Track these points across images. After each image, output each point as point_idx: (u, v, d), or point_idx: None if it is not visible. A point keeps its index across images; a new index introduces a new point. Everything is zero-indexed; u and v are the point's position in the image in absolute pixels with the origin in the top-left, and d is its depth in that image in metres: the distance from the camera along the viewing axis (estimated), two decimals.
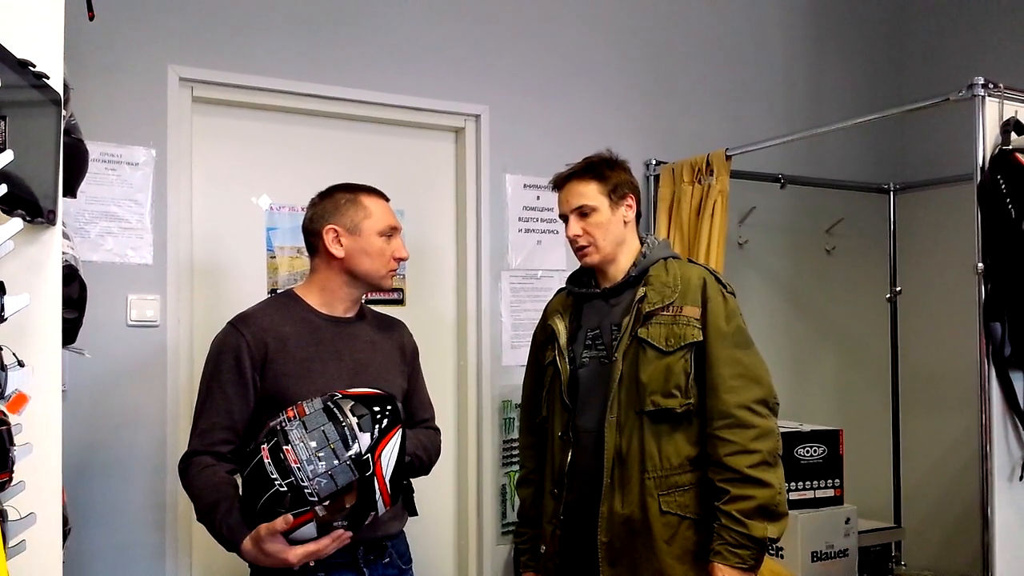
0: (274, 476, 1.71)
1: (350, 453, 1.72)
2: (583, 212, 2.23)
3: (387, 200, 2.18)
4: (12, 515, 1.13)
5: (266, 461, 1.73)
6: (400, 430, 1.80)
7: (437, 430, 2.30)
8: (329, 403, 1.79)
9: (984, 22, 3.95)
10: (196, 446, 1.99)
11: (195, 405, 2.04)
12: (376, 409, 1.79)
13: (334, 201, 2.12)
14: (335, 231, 2.09)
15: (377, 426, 1.76)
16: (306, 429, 1.74)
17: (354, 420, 1.75)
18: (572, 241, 2.27)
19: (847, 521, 3.31)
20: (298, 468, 1.70)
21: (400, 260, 2.15)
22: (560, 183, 2.30)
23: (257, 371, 2.00)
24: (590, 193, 2.23)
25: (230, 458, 1.95)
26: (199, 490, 1.93)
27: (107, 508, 2.54)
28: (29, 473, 1.16)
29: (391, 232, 2.13)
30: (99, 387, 2.54)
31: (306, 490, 1.70)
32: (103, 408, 2.55)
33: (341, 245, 2.08)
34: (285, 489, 1.71)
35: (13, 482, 1.12)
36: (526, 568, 2.41)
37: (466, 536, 3.18)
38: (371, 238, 2.09)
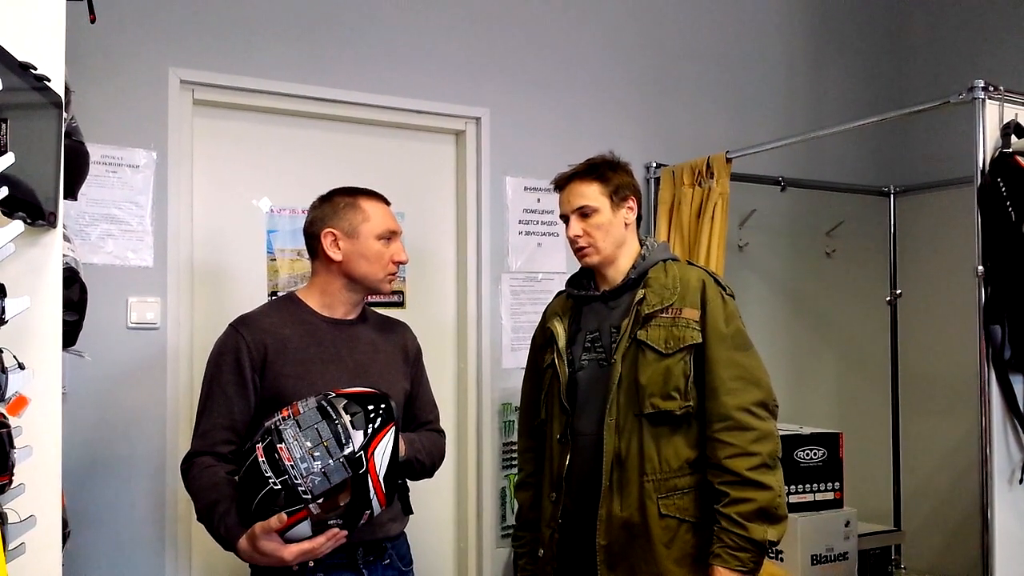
0: (268, 474, 1.72)
1: (343, 451, 1.73)
2: (584, 213, 2.23)
3: (388, 204, 2.18)
4: (12, 518, 1.13)
5: (260, 460, 1.74)
6: (393, 428, 1.81)
7: (441, 432, 2.29)
8: (323, 402, 1.80)
9: (984, 25, 3.96)
10: (197, 447, 2.00)
11: (197, 406, 2.05)
12: (370, 407, 1.80)
13: (333, 205, 2.12)
14: (333, 235, 2.09)
15: (371, 424, 1.78)
16: (300, 428, 1.75)
17: (347, 418, 1.76)
18: (572, 242, 2.27)
19: (847, 524, 3.31)
20: (292, 466, 1.71)
21: (399, 264, 2.15)
22: (562, 184, 2.30)
23: (257, 372, 2.01)
24: (591, 194, 2.23)
25: (231, 458, 1.96)
26: (199, 490, 1.95)
27: (107, 510, 2.54)
28: (29, 476, 1.16)
29: (390, 236, 2.13)
30: (99, 390, 2.54)
31: (299, 488, 1.71)
32: (103, 410, 2.56)
33: (339, 249, 2.09)
34: (279, 487, 1.72)
35: (13, 485, 1.12)
36: (524, 571, 2.41)
37: (465, 539, 3.18)
38: (369, 242, 2.09)
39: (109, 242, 2.59)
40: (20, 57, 1.15)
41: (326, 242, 2.10)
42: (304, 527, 1.75)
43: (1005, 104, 2.53)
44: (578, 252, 2.27)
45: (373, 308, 2.29)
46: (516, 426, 3.01)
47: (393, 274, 2.16)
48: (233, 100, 2.81)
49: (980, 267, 2.49)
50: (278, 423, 1.78)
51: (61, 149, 1.30)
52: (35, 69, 1.18)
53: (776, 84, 3.96)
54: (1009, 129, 2.49)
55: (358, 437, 1.75)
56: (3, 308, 1.09)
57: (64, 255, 1.43)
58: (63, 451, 1.29)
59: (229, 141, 2.87)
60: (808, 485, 3.29)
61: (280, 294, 2.77)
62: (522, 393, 2.52)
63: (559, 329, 2.30)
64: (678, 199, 3.36)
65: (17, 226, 1.10)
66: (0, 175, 1.04)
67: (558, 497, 2.25)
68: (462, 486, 3.20)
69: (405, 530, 2.17)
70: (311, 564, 1.88)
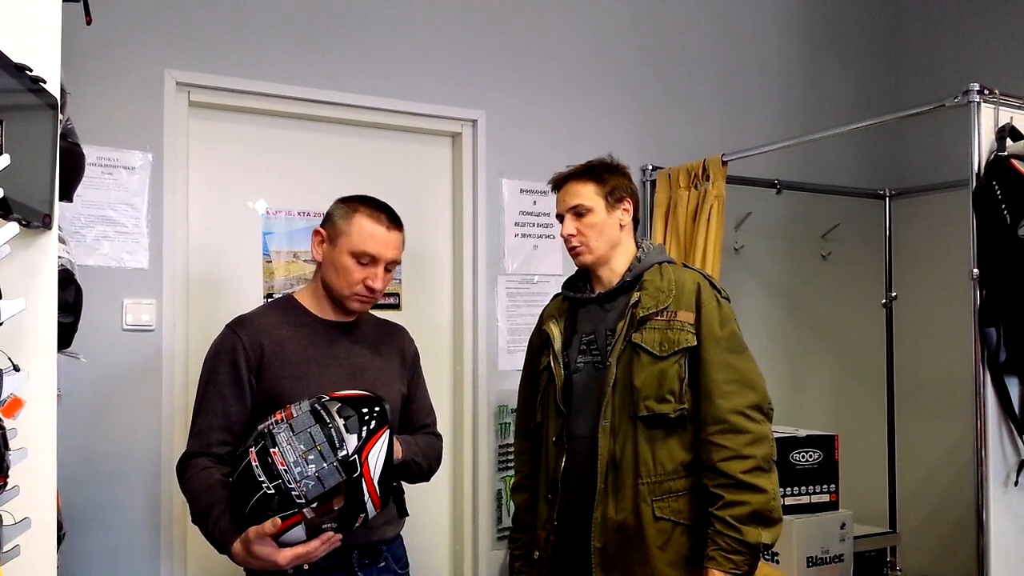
0: (261, 479, 1.72)
1: (337, 455, 1.72)
2: (578, 212, 2.24)
3: (393, 229, 2.08)
4: (7, 520, 1.13)
5: (254, 464, 1.73)
6: (387, 431, 1.80)
7: (438, 436, 2.28)
8: (316, 405, 1.79)
9: (980, 29, 3.97)
10: (193, 447, 1.99)
11: (193, 407, 2.05)
12: (364, 411, 1.79)
13: (338, 207, 2.11)
14: (321, 236, 2.10)
15: (365, 427, 1.77)
16: (293, 431, 1.75)
17: (341, 422, 1.76)
18: (566, 240, 2.28)
19: (843, 526, 3.31)
20: (285, 470, 1.71)
21: (371, 290, 2.06)
22: (559, 183, 2.32)
23: (253, 373, 2.00)
24: (586, 194, 2.24)
25: (227, 459, 1.95)
26: (194, 492, 1.94)
27: (103, 511, 2.54)
28: (24, 478, 1.15)
29: (367, 259, 2.04)
30: (95, 391, 2.54)
31: (293, 492, 1.70)
32: (99, 412, 2.55)
33: (320, 251, 2.09)
34: (272, 492, 1.71)
35: (8, 487, 1.12)
36: (520, 574, 2.41)
37: (461, 541, 3.17)
38: (342, 255, 2.04)
39: (104, 244, 2.59)
40: (16, 59, 1.15)
41: (314, 240, 2.11)
42: (298, 531, 1.74)
43: (1000, 107, 2.54)
44: (572, 251, 2.28)
45: (370, 311, 2.29)
46: (512, 428, 3.02)
47: (360, 295, 2.06)
48: (229, 102, 2.81)
49: (975, 270, 2.49)
50: (271, 427, 1.78)
51: (57, 151, 1.30)
52: (31, 71, 1.18)
53: (772, 87, 3.97)
54: (1004, 132, 2.50)
55: (352, 440, 1.74)
56: None
57: (59, 257, 1.43)
58: (58, 453, 1.29)
59: (225, 143, 2.86)
60: (804, 487, 3.29)
61: (276, 296, 2.77)
62: (519, 395, 2.53)
63: (555, 331, 2.31)
64: (674, 202, 3.37)
65: (12, 228, 1.09)
66: None
67: (554, 499, 2.25)
68: (458, 488, 3.19)
69: (401, 533, 2.17)
70: (306, 568, 1.87)
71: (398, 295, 3.13)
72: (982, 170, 2.49)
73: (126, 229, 2.61)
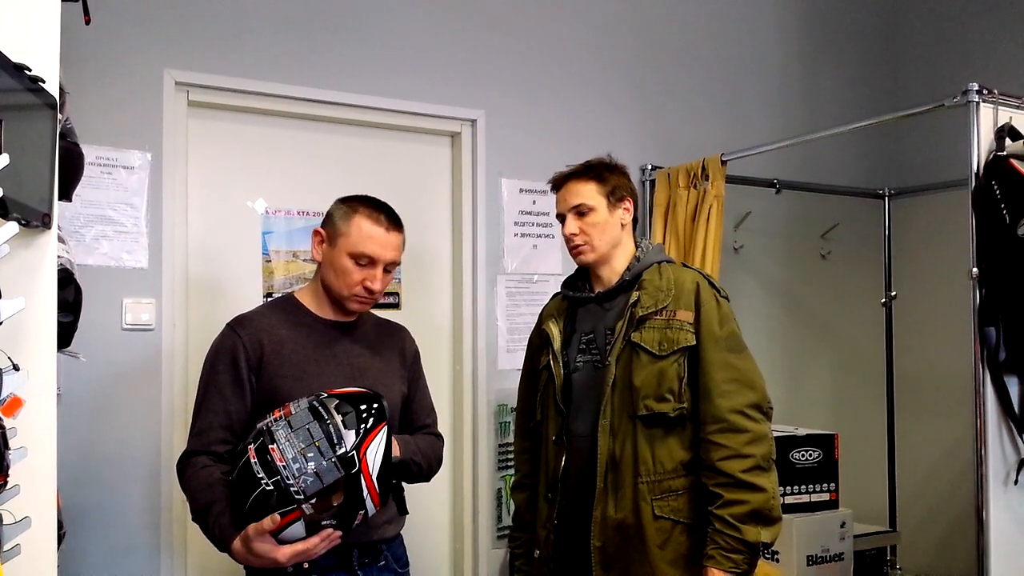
0: (260, 475, 1.72)
1: (335, 451, 1.73)
2: (580, 211, 2.24)
3: (393, 230, 2.08)
4: (7, 519, 1.13)
5: (252, 461, 1.74)
6: (385, 427, 1.80)
7: (439, 436, 2.28)
8: (314, 402, 1.80)
9: (979, 28, 3.97)
10: (194, 446, 1.99)
11: (193, 406, 2.05)
12: (362, 407, 1.80)
13: (338, 207, 2.11)
14: (320, 236, 2.10)
15: (362, 424, 1.77)
16: (292, 428, 1.75)
17: (339, 418, 1.76)
18: (568, 240, 2.27)
19: (842, 525, 3.31)
20: (283, 467, 1.71)
21: (370, 291, 2.06)
22: (559, 183, 2.32)
23: (253, 372, 2.00)
24: (588, 193, 2.25)
25: (227, 458, 1.95)
26: (194, 491, 1.94)
27: (102, 511, 2.54)
28: (24, 477, 1.15)
29: (366, 261, 2.04)
30: (94, 391, 2.54)
31: (292, 488, 1.71)
32: (99, 412, 2.55)
33: (320, 251, 2.10)
34: (271, 488, 1.71)
35: (8, 486, 1.12)
36: (520, 572, 2.41)
37: (461, 540, 3.17)
38: (341, 256, 2.04)
39: (104, 243, 2.59)
40: (15, 58, 1.15)
41: (314, 240, 2.11)
42: (298, 528, 1.75)
43: (999, 107, 2.54)
44: (573, 250, 2.28)
45: (371, 310, 2.29)
46: (512, 427, 3.02)
47: (359, 296, 2.06)
48: (228, 102, 2.81)
49: (974, 269, 2.49)
50: (270, 424, 1.78)
51: (56, 150, 1.30)
52: (30, 70, 1.18)
53: (771, 87, 3.97)
54: (1003, 132, 2.50)
55: (350, 437, 1.75)
56: None
57: (59, 256, 1.43)
58: (58, 453, 1.29)
59: (224, 143, 2.86)
60: (803, 486, 3.29)
61: (276, 295, 2.77)
62: (518, 394, 2.53)
63: (555, 331, 2.31)
64: (673, 201, 3.37)
65: (12, 227, 1.09)
66: None
67: (554, 498, 2.25)
68: (458, 487, 3.20)
69: (401, 532, 2.16)
70: (306, 566, 1.87)
71: (398, 295, 3.13)
72: (981, 170, 2.50)
73: (125, 229, 2.62)
